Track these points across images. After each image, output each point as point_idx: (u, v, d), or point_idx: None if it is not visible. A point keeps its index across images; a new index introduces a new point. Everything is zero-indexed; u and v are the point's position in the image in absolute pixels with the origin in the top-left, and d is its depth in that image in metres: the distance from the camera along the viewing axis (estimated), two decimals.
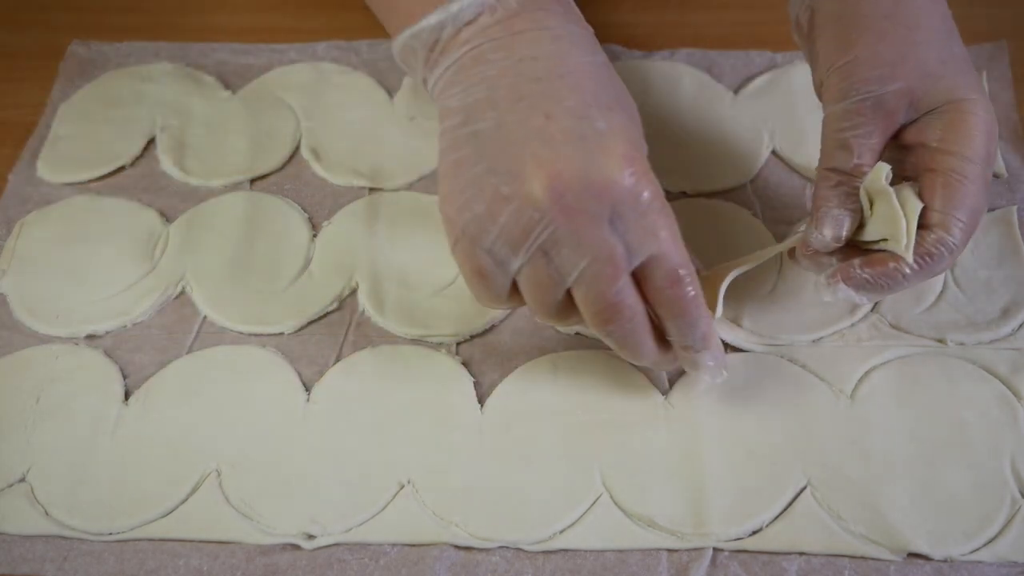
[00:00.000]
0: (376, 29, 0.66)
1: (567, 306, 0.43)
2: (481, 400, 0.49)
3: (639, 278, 0.42)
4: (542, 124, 0.40)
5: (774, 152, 0.59)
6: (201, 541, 0.45)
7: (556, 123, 0.40)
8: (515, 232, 0.40)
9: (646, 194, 0.40)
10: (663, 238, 0.41)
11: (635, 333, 0.43)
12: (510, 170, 0.40)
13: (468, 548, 0.44)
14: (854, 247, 0.45)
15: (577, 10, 0.44)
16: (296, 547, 0.45)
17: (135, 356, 0.51)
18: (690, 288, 0.42)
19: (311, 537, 0.45)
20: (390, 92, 0.63)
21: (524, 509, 0.45)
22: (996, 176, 0.56)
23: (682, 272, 0.41)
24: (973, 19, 0.64)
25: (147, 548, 0.45)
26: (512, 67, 0.41)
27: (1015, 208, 0.54)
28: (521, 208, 0.40)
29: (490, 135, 0.41)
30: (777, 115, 0.60)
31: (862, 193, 0.44)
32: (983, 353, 0.49)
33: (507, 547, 0.44)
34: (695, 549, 0.44)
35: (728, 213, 0.56)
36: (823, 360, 0.50)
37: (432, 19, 0.42)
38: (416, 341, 0.51)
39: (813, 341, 0.50)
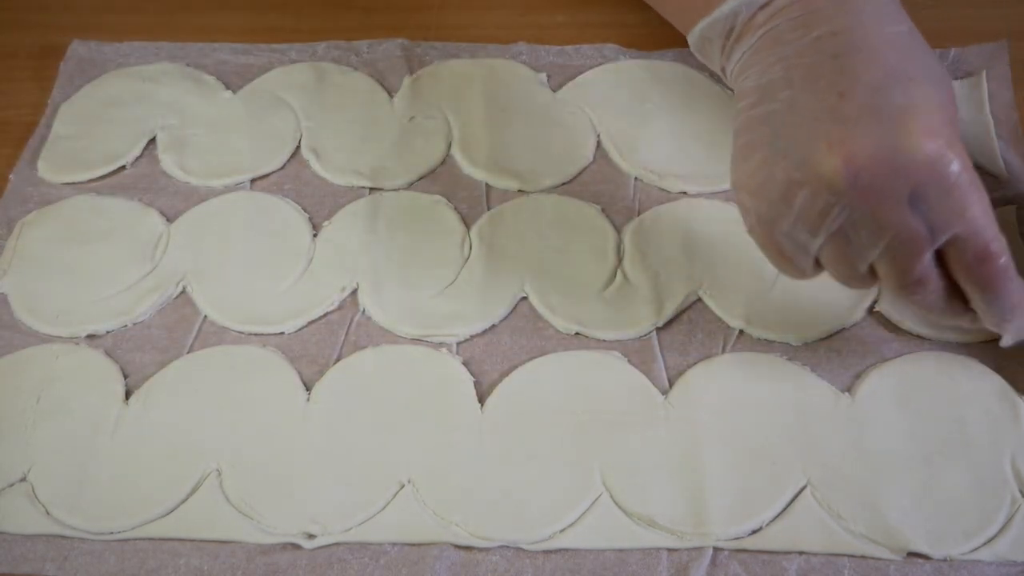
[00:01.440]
0: (376, 29, 0.67)
1: (871, 274, 0.42)
2: (481, 400, 0.49)
3: (943, 252, 0.40)
4: (835, 102, 0.38)
5: None
6: (201, 541, 0.45)
7: (850, 100, 0.38)
8: (811, 216, 0.40)
9: (953, 167, 0.37)
10: (970, 216, 0.39)
11: (939, 301, 0.42)
12: (802, 153, 0.39)
13: (468, 548, 0.44)
14: None
15: None
16: (296, 547, 0.45)
17: (135, 356, 0.51)
18: (1001, 263, 0.40)
19: (311, 537, 0.45)
20: (390, 92, 0.63)
21: (524, 509, 0.45)
22: (995, 176, 0.56)
23: (992, 248, 0.39)
24: (973, 19, 0.64)
25: (147, 548, 0.45)
26: (810, 45, 0.40)
27: (1014, 208, 0.54)
28: (815, 192, 0.39)
29: (782, 115, 0.40)
30: None
31: None
32: (984, 351, 0.49)
33: (507, 547, 0.44)
34: (695, 549, 0.44)
35: (728, 213, 0.56)
36: (823, 360, 0.50)
37: (726, 7, 0.42)
38: (416, 341, 0.51)
39: (813, 340, 0.50)
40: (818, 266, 0.43)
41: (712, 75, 0.63)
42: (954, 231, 0.39)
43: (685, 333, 0.51)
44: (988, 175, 0.57)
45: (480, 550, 0.44)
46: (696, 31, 0.44)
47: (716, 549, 0.44)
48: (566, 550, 0.44)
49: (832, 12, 0.40)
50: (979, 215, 0.39)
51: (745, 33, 0.42)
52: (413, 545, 0.45)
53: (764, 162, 0.40)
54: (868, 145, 0.37)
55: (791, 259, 0.43)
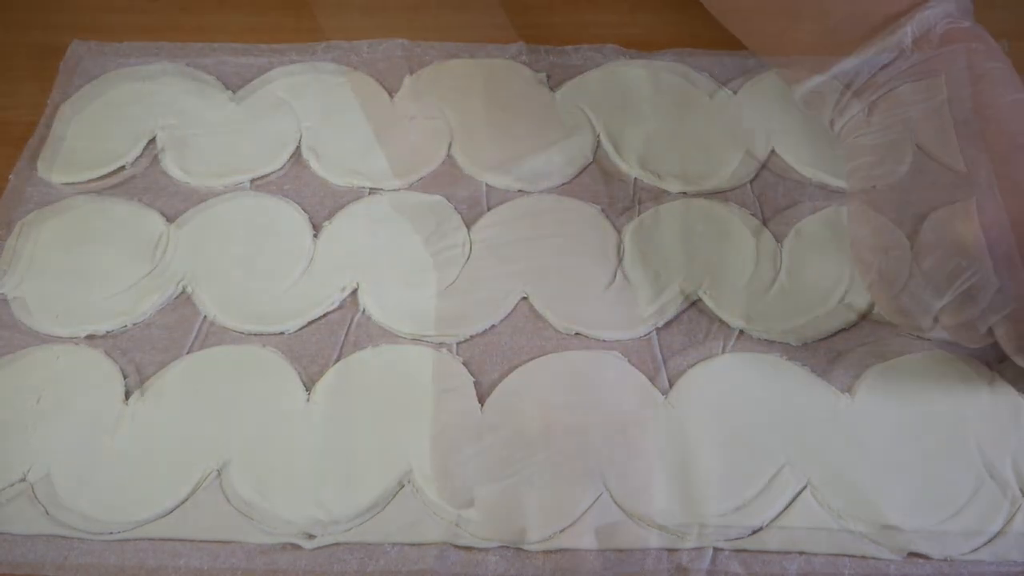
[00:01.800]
0: (376, 29, 0.67)
1: (988, 334, 0.43)
2: (481, 400, 0.49)
3: None
4: (968, 169, 0.40)
5: (774, 152, 0.59)
6: (201, 541, 0.45)
7: (982, 168, 0.39)
8: (940, 278, 0.40)
9: None
10: None
11: None
12: (936, 216, 0.40)
13: (468, 548, 0.44)
14: None
15: (995, 43, 0.43)
16: (296, 547, 0.45)
17: (136, 356, 0.51)
18: None
19: (311, 537, 0.45)
20: (390, 92, 0.63)
21: (524, 509, 0.45)
22: None
23: None
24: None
25: (147, 548, 0.45)
26: (935, 109, 0.41)
27: None
28: (948, 256, 0.40)
29: (911, 177, 0.41)
30: (777, 115, 0.60)
31: None
32: (984, 352, 0.49)
33: (507, 547, 0.44)
34: (695, 549, 0.44)
35: (728, 213, 0.56)
36: (823, 360, 0.50)
37: (848, 64, 0.42)
38: (416, 341, 0.51)
39: (813, 340, 0.50)
40: (936, 321, 0.44)
41: (712, 75, 0.63)
42: None
43: (685, 333, 0.51)
44: None
45: (480, 550, 0.44)
46: (810, 84, 0.44)
47: (716, 549, 0.44)
48: (566, 550, 0.44)
49: (953, 77, 0.41)
50: None
51: (864, 91, 0.43)
52: (413, 545, 0.45)
53: (892, 222, 0.41)
54: (1004, 213, 0.39)
55: (910, 316, 0.43)
